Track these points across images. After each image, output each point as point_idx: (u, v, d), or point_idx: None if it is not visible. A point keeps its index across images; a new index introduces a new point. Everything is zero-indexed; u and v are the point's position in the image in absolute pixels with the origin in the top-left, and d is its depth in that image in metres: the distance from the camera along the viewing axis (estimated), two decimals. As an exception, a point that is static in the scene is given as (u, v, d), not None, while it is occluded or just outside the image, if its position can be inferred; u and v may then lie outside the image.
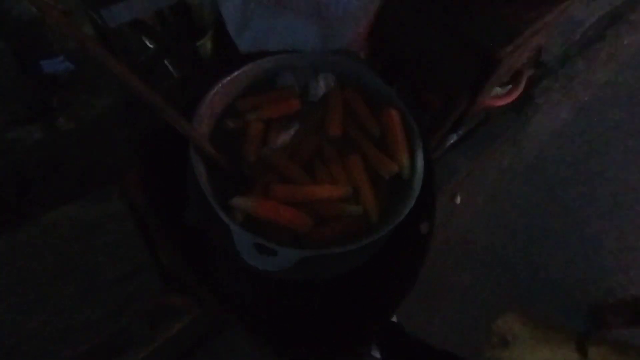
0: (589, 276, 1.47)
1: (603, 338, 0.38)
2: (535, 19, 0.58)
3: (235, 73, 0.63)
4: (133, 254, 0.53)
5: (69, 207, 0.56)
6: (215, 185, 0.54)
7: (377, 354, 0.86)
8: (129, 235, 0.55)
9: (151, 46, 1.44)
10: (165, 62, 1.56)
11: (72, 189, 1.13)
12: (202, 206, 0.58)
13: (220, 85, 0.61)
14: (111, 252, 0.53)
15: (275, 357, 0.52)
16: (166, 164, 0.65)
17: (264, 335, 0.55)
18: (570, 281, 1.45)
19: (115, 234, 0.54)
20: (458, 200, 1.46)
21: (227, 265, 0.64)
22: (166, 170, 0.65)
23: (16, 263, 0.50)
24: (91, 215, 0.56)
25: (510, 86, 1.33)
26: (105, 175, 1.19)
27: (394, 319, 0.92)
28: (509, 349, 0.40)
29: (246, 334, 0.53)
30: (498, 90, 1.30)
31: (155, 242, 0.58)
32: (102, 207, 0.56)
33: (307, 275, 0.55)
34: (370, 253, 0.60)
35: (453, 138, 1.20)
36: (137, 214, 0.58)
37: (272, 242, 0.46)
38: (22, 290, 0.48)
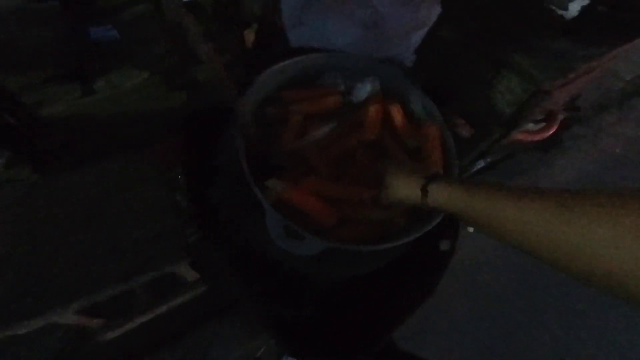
0: (588, 335, 1.41)
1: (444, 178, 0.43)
2: (592, 57, 0.58)
3: (286, 62, 0.64)
4: (160, 219, 0.55)
5: (106, 164, 0.58)
6: (249, 167, 0.55)
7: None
8: (159, 200, 0.56)
9: (200, 27, 1.49)
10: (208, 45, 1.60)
11: (106, 148, 1.16)
12: (231, 187, 0.59)
13: (270, 70, 0.63)
14: (139, 213, 0.54)
15: (279, 347, 0.52)
16: (203, 143, 0.67)
17: (274, 324, 0.55)
18: (568, 337, 1.39)
19: (145, 196, 0.56)
20: (471, 229, 1.44)
21: (238, 251, 0.65)
22: (202, 148, 0.66)
23: (53, 204, 0.51)
24: (126, 175, 0.57)
25: (543, 124, 1.32)
26: (136, 141, 1.23)
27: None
28: (388, 189, 0.50)
29: (256, 319, 0.53)
30: (530, 126, 1.29)
31: (184, 212, 0.59)
32: (136, 169, 0.58)
33: (325, 270, 0.55)
34: (389, 259, 0.59)
35: (480, 164, 1.19)
36: (170, 182, 0.59)
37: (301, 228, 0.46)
38: (54, 231, 0.50)
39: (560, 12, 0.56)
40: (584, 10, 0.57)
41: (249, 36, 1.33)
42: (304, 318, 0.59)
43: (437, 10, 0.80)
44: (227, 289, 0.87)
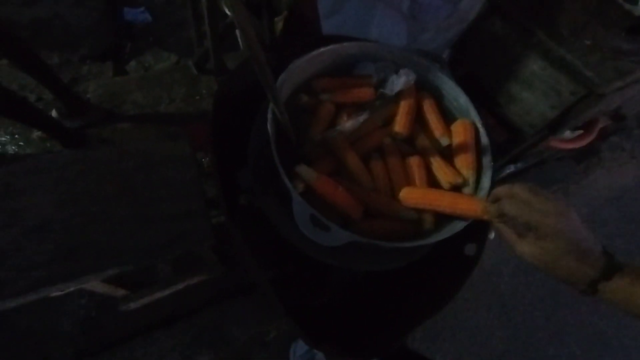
0: (608, 358, 1.34)
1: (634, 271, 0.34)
2: (656, 60, 0.53)
3: (321, 50, 0.63)
4: (190, 197, 0.56)
5: (140, 142, 0.59)
6: (279, 154, 0.55)
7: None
8: (190, 179, 0.57)
9: (229, 14, 1.50)
10: (237, 32, 1.61)
11: (137, 127, 1.20)
12: (260, 172, 0.59)
13: (304, 58, 0.61)
14: (171, 190, 0.56)
15: (294, 333, 0.52)
16: (232, 126, 0.67)
17: (289, 310, 0.55)
18: (586, 358, 1.32)
19: (177, 174, 0.57)
20: (492, 235, 1.39)
21: (256, 237, 0.65)
22: (230, 132, 0.67)
23: (92, 176, 0.53)
24: (160, 152, 0.58)
25: (581, 132, 1.25)
26: (166, 122, 1.26)
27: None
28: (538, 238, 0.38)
29: (275, 304, 0.53)
30: (566, 133, 1.22)
31: (209, 194, 0.60)
32: (170, 147, 0.59)
33: (346, 262, 0.54)
34: (411, 258, 0.58)
35: (510, 169, 1.14)
36: (199, 164, 0.60)
37: (328, 219, 0.46)
38: (92, 201, 0.52)
39: (628, 7, 0.51)
40: (658, 5, 0.51)
41: (278, 25, 1.33)
42: (320, 307, 0.59)
43: (479, 3, 0.76)
44: (244, 272, 0.88)
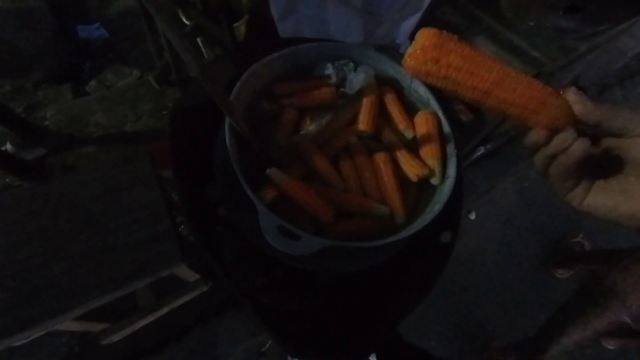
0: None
1: None
2: (595, 34, 0.55)
3: (276, 54, 0.62)
4: (155, 220, 0.54)
5: (100, 167, 0.56)
6: (243, 166, 0.54)
7: (373, 358, 0.85)
8: (153, 201, 0.55)
9: (187, 23, 1.45)
10: (198, 40, 1.57)
11: (99, 150, 1.15)
12: (228, 185, 0.58)
13: (259, 64, 0.60)
14: (134, 215, 0.54)
15: (282, 349, 0.52)
16: (194, 140, 0.65)
17: (274, 326, 0.55)
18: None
19: (139, 198, 0.55)
20: (473, 215, 1.43)
21: (242, 245, 0.64)
22: (193, 146, 0.65)
23: (45, 211, 0.50)
24: (119, 177, 0.56)
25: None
26: (131, 140, 1.21)
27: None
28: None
29: (255, 319, 0.52)
30: (531, 109, 1.26)
31: (176, 213, 0.58)
32: (129, 170, 0.57)
33: (325, 266, 0.54)
34: (389, 254, 0.59)
35: (480, 151, 1.17)
36: (161, 182, 0.58)
37: (297, 227, 0.45)
38: (48, 239, 0.49)
39: (559, -12, 0.53)
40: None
41: (240, 29, 1.30)
42: (302, 315, 0.58)
43: (431, -8, 0.77)
44: (226, 286, 0.87)
